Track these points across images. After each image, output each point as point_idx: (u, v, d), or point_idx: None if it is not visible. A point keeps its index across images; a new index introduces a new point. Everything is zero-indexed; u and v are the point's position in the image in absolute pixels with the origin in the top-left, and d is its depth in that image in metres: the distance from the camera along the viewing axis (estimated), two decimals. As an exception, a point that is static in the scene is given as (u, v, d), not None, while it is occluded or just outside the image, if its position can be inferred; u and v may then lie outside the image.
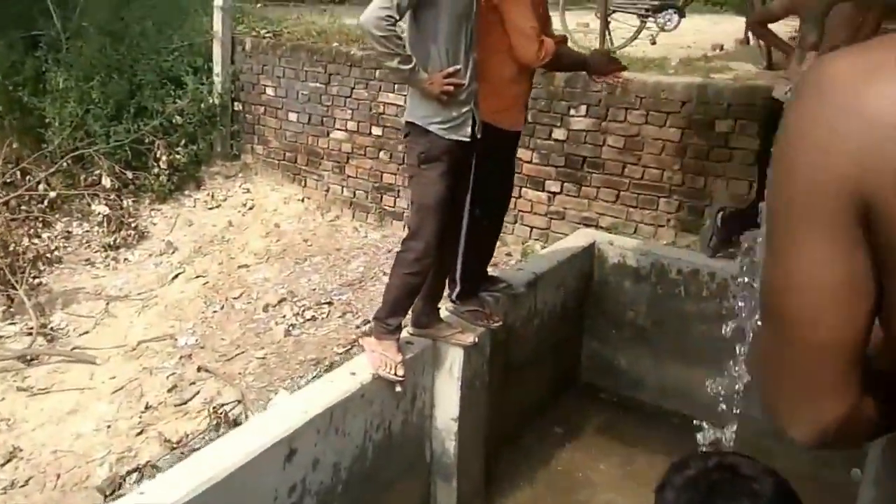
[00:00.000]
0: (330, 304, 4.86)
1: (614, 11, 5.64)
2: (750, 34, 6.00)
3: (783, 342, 0.68)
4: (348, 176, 5.85)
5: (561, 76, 4.68)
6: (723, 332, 3.88)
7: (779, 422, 0.71)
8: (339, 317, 4.73)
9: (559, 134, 4.81)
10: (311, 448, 2.45)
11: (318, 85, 5.86)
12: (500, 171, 3.16)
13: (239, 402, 3.99)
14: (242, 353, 4.53)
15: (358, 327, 4.51)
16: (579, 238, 4.30)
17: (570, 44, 5.77)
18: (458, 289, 3.13)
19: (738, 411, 2.97)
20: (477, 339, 2.97)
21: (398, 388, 2.78)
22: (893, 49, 0.62)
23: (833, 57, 0.65)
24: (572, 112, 4.69)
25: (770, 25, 3.74)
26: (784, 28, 6.34)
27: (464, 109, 2.71)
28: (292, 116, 6.10)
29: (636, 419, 4.06)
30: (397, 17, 2.51)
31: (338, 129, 5.84)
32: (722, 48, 6.11)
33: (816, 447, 0.69)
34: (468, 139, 2.73)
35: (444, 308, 3.12)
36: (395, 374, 2.69)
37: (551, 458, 3.71)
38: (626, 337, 4.23)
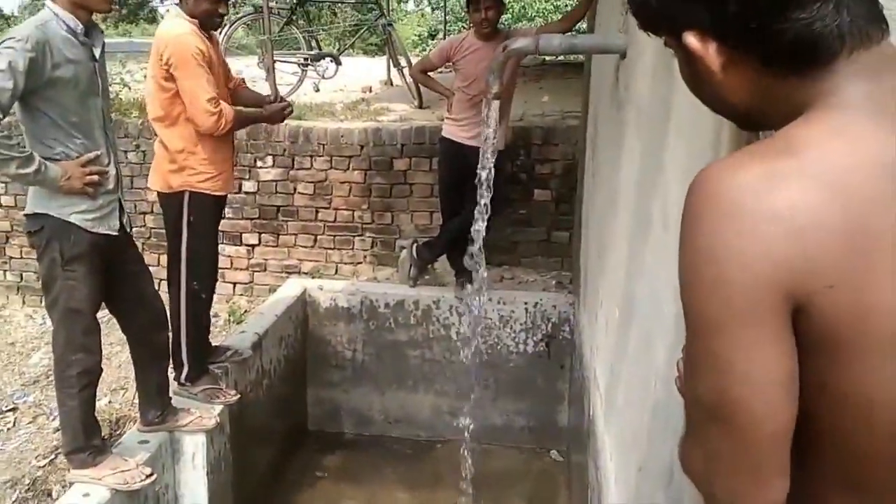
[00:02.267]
0: (14, 409, 4.21)
1: (276, 61, 5.75)
2: (392, 76, 6.57)
3: (736, 438, 0.71)
4: (11, 258, 5.11)
5: (242, 132, 4.66)
6: (431, 354, 4.25)
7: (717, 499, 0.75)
8: (30, 423, 4.13)
9: (249, 186, 4.78)
10: None
11: (-48, 160, 5.02)
12: (213, 237, 3.07)
13: (-81, 557, 3.29)
14: None
15: (56, 430, 3.98)
16: (290, 288, 4.34)
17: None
18: (185, 370, 2.98)
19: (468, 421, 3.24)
20: (218, 420, 2.86)
21: (142, 494, 2.56)
22: (780, 158, 0.68)
23: (720, 170, 0.69)
24: (259, 164, 4.70)
25: (430, 73, 4.16)
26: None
27: (111, 198, 2.44)
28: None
29: (368, 455, 4.22)
30: (1, 116, 2.12)
31: (-12, 208, 5.08)
32: (371, 90, 6.60)
33: None
34: (116, 233, 2.45)
35: (173, 392, 2.94)
36: (144, 479, 2.48)
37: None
38: (347, 377, 4.38)
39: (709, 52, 0.75)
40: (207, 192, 2.87)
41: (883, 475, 0.73)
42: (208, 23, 2.86)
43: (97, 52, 2.37)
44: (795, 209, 0.65)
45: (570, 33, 3.57)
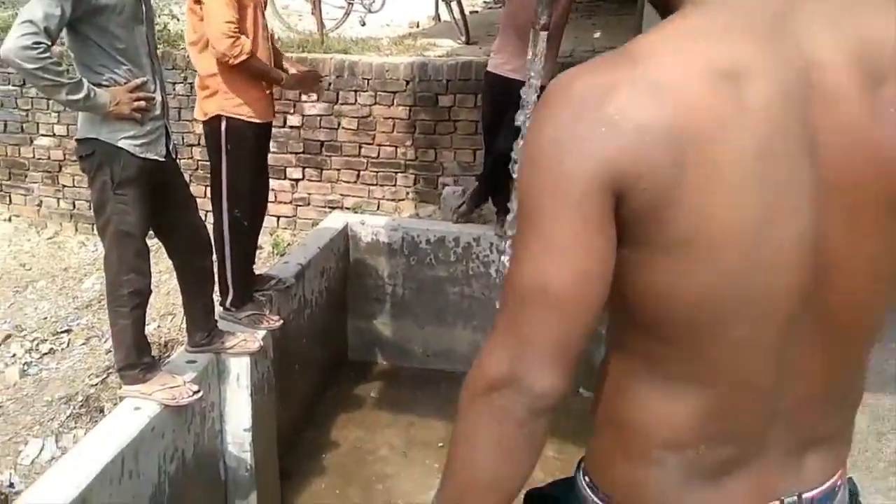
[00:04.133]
0: (68, 331, 4.39)
1: (321, -6, 5.70)
2: (441, 11, 6.44)
3: (551, 320, 0.76)
4: (64, 186, 5.25)
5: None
6: (471, 290, 4.29)
7: (514, 378, 0.77)
8: (83, 344, 4.30)
9: (294, 121, 4.80)
10: (105, 501, 2.27)
11: (10, 87, 5.13)
12: (256, 167, 3.10)
13: (-18, 463, 3.49)
14: (-30, 406, 3.94)
15: (108, 352, 4.15)
16: (332, 222, 4.39)
17: (280, 26, 5.74)
18: (231, 295, 3.05)
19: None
20: (262, 344, 2.94)
21: (189, 410, 2.67)
22: (620, 68, 0.73)
23: (574, 76, 0.76)
24: (304, 98, 4.70)
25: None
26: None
27: (157, 124, 2.47)
28: (-18, 126, 5.29)
29: (407, 386, 4.32)
30: (49, 43, 2.14)
31: (43, 135, 5.19)
32: (418, 25, 6.49)
33: (550, 400, 0.77)
34: (163, 158, 2.49)
35: (219, 316, 3.02)
36: (192, 395, 2.58)
37: (337, 442, 3.83)
38: (387, 310, 4.44)
39: None
40: (243, 117, 2.88)
41: (688, 368, 0.80)
42: None
43: None
44: (624, 116, 0.70)
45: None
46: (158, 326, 4.18)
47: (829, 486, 0.89)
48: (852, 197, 0.74)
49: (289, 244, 4.74)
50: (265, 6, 3.10)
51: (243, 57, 2.79)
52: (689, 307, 0.77)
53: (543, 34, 2.53)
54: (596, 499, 0.91)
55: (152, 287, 2.66)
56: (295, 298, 3.61)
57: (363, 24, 6.17)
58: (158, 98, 2.48)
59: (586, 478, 0.93)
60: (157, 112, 2.46)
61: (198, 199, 2.85)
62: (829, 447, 0.89)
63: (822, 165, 0.73)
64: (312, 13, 5.83)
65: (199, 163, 4.95)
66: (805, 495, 0.87)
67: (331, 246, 4.11)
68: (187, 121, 4.82)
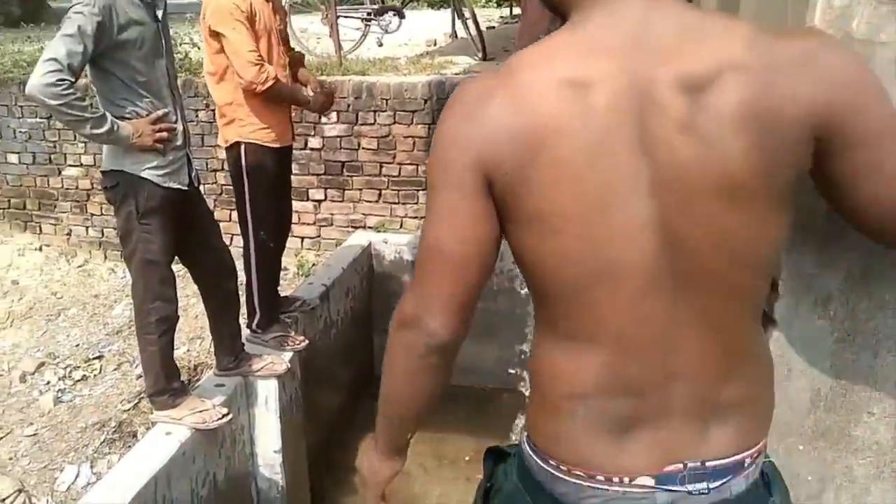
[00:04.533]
0: (100, 357, 4.46)
1: (339, 17, 5.76)
2: (458, 28, 6.49)
3: (440, 271, 0.96)
4: (92, 214, 5.35)
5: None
6: (496, 306, 4.28)
7: (416, 318, 0.98)
8: (115, 370, 4.37)
9: (315, 143, 4.85)
10: (140, 524, 2.31)
11: (37, 120, 5.26)
12: (278, 190, 3.14)
13: (20, 491, 3.55)
14: (7, 434, 4.01)
15: (139, 377, 4.21)
16: (355, 241, 4.42)
17: (299, 48, 5.82)
18: (258, 317, 3.09)
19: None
20: (289, 365, 2.97)
21: (219, 433, 2.70)
22: (499, 78, 0.93)
23: (468, 81, 0.97)
24: (324, 120, 4.76)
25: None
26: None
27: (179, 154, 2.52)
28: (12, 158, 5.42)
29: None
30: (73, 79, 2.19)
31: (71, 166, 5.31)
32: (435, 43, 6.54)
33: (443, 339, 0.97)
34: (186, 187, 2.54)
35: (245, 339, 3.06)
36: (221, 418, 2.61)
37: (368, 460, 3.83)
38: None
39: None
40: (261, 142, 2.93)
41: (576, 326, 0.96)
42: None
43: (160, 14, 2.44)
44: (492, 117, 0.91)
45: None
46: (188, 350, 4.24)
47: (735, 459, 0.97)
48: (683, 186, 0.88)
49: (313, 265, 4.78)
50: (283, 32, 3.16)
51: (270, 83, 2.84)
52: (553, 273, 0.95)
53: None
54: (536, 458, 1.04)
55: (180, 312, 2.70)
56: (321, 319, 3.65)
57: (380, 45, 6.24)
58: (180, 128, 2.53)
59: (527, 436, 1.07)
60: (179, 142, 2.52)
61: (223, 223, 2.90)
62: (737, 421, 0.98)
63: (656, 161, 0.88)
64: (330, 36, 5.91)
65: (224, 187, 5.02)
66: (709, 463, 0.96)
67: (354, 265, 4.15)
68: (210, 146, 4.90)
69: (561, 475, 1.00)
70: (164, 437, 2.55)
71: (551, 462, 1.01)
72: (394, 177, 4.84)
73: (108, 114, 2.32)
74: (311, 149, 4.88)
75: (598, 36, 0.90)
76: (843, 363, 1.02)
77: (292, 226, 4.92)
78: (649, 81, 0.87)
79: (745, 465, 0.98)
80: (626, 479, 0.96)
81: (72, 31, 2.18)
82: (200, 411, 2.60)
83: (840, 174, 0.89)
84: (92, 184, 5.31)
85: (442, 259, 0.95)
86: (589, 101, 0.88)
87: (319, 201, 4.97)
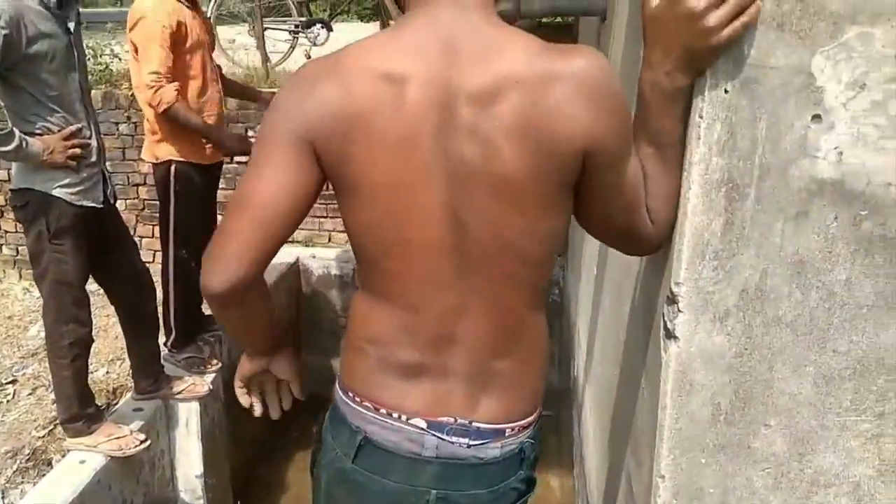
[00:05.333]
0: (14, 382, 4.25)
1: (266, 29, 5.70)
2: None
3: (245, 217, 1.04)
4: (6, 232, 5.12)
5: (233, 100, 4.63)
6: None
7: (204, 274, 1.06)
8: (29, 394, 4.17)
9: (242, 157, 4.76)
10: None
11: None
12: (205, 208, 3.07)
13: (-76, 525, 3.35)
14: (-89, 465, 3.78)
15: (55, 402, 4.03)
16: (283, 257, 4.35)
17: (226, 61, 5.72)
18: (173, 336, 3.00)
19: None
20: (212, 387, 2.89)
21: (137, 460, 2.61)
22: (329, 63, 1.05)
23: (305, 66, 1.09)
24: (251, 133, 4.68)
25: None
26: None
27: (94, 170, 2.44)
28: None
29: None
30: None
31: (-19, 180, 5.08)
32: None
33: (224, 297, 1.07)
34: (101, 205, 2.47)
35: (163, 360, 2.96)
36: (139, 445, 2.51)
37: (294, 481, 3.76)
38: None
39: None
40: (192, 161, 2.86)
41: (379, 285, 1.12)
42: None
43: (72, 26, 2.35)
44: (320, 96, 1.02)
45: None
46: (107, 372, 4.08)
47: (496, 427, 1.14)
48: (467, 181, 1.02)
49: (240, 281, 4.68)
50: (211, 46, 3.09)
51: (164, 106, 2.77)
52: (363, 240, 1.10)
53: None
54: (340, 392, 1.20)
55: (99, 332, 2.61)
56: (246, 337, 3.56)
57: (308, 58, 6.19)
58: (94, 144, 2.44)
59: (338, 377, 1.22)
60: (94, 158, 2.43)
61: (146, 239, 2.81)
62: (504, 395, 1.15)
63: (448, 156, 1.02)
64: (258, 47, 5.83)
65: (146, 202, 4.87)
66: (475, 424, 1.13)
67: (281, 281, 4.08)
68: (132, 160, 4.75)
69: (355, 405, 1.16)
70: (78, 466, 2.45)
71: (349, 394, 1.17)
72: (322, 191, 4.78)
73: (15, 130, 2.23)
74: (238, 162, 4.76)
75: (416, 38, 1.03)
76: (742, 377, 1.05)
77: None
78: (449, 84, 1.00)
79: (506, 434, 1.15)
80: (405, 417, 1.13)
81: None
82: (117, 438, 2.51)
83: (589, 191, 1.05)
84: (5, 199, 5.08)
85: (253, 210, 1.03)
86: (401, 92, 1.00)
87: (246, 216, 4.87)
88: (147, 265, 2.82)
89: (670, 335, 1.06)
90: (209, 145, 2.94)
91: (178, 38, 2.75)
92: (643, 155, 1.07)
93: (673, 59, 0.98)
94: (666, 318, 1.09)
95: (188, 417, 2.86)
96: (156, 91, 2.74)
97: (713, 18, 0.91)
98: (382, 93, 1.00)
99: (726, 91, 0.97)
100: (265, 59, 5.57)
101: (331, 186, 1.11)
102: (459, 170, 1.02)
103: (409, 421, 1.13)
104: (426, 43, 1.02)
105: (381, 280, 1.12)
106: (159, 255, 3.01)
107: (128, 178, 4.82)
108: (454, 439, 1.12)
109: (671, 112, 1.02)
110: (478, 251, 1.06)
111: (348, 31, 6.85)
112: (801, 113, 0.96)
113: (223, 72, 3.39)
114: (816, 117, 0.95)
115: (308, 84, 1.04)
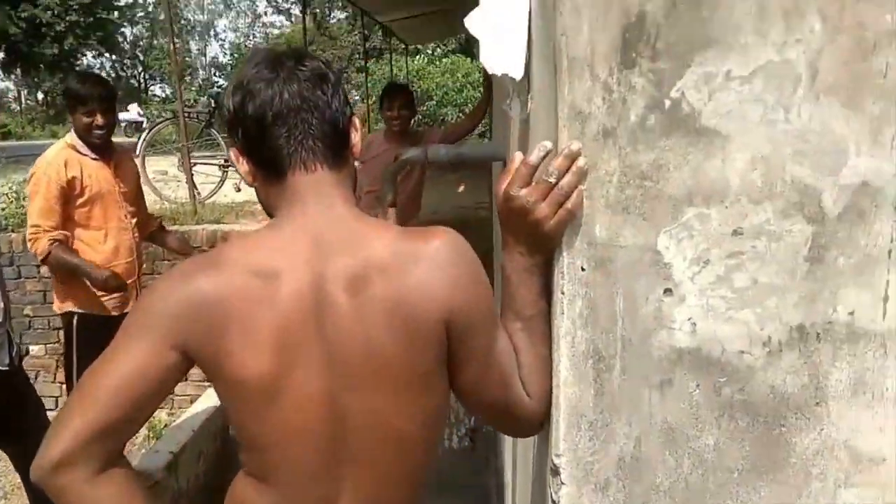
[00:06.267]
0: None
1: (195, 164, 5.78)
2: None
3: (78, 408, 1.04)
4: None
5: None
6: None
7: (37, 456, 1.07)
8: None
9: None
10: None
11: None
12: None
13: None
14: None
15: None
16: (212, 397, 4.20)
17: (154, 196, 5.74)
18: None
19: None
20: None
21: None
22: (204, 264, 1.07)
23: (181, 265, 1.10)
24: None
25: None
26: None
27: None
28: None
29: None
30: None
31: None
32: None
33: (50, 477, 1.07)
34: (5, 367, 2.39)
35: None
36: None
37: None
38: None
39: (240, 163, 1.13)
40: (94, 312, 2.81)
41: (258, 469, 1.12)
42: (89, 139, 2.85)
43: None
44: (194, 295, 1.04)
45: (459, 142, 3.67)
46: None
47: None
48: (349, 369, 1.06)
49: (165, 426, 4.50)
50: (131, 193, 3.08)
51: (40, 257, 2.79)
52: (242, 428, 1.10)
53: (392, 210, 2.62)
54: None
55: (12, 495, 2.44)
56: (166, 492, 3.38)
57: (238, 191, 6.27)
58: (0, 305, 2.38)
59: None
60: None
61: (64, 386, 2.69)
62: None
63: (328, 344, 1.05)
64: (187, 181, 5.89)
65: (67, 347, 4.71)
66: None
67: (209, 425, 3.93)
68: (51, 303, 4.62)
69: None
70: None
71: None
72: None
73: None
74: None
75: (288, 236, 1.08)
76: (628, 545, 1.04)
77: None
78: (323, 276, 1.05)
79: None
80: None
81: None
82: None
83: (458, 363, 1.09)
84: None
85: (94, 394, 1.03)
86: (275, 287, 1.04)
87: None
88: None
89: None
90: (113, 298, 2.90)
91: (70, 193, 2.79)
92: (511, 329, 1.12)
93: (522, 241, 1.08)
94: (551, 490, 1.09)
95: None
96: (33, 243, 2.76)
97: (540, 211, 1.01)
98: (257, 287, 1.04)
99: (583, 269, 1.02)
100: (192, 196, 5.62)
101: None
102: (337, 355, 1.05)
103: None
104: (300, 238, 1.07)
105: (260, 466, 1.13)
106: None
107: (48, 321, 4.68)
108: None
109: (530, 286, 1.10)
110: (355, 442, 1.08)
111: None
112: (653, 287, 1.00)
113: (161, 222, 3.42)
114: (668, 291, 1.00)
115: (181, 280, 1.07)
